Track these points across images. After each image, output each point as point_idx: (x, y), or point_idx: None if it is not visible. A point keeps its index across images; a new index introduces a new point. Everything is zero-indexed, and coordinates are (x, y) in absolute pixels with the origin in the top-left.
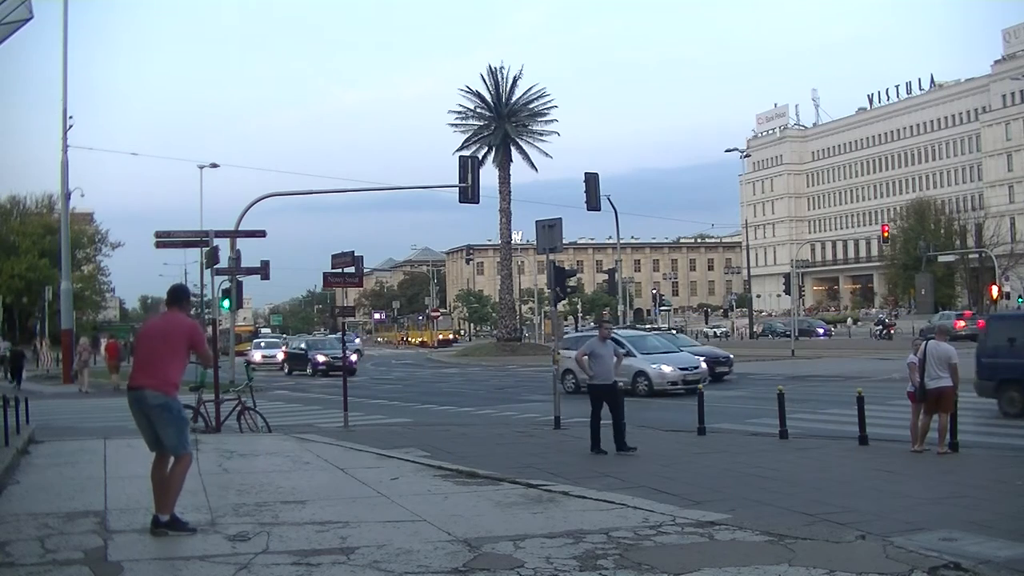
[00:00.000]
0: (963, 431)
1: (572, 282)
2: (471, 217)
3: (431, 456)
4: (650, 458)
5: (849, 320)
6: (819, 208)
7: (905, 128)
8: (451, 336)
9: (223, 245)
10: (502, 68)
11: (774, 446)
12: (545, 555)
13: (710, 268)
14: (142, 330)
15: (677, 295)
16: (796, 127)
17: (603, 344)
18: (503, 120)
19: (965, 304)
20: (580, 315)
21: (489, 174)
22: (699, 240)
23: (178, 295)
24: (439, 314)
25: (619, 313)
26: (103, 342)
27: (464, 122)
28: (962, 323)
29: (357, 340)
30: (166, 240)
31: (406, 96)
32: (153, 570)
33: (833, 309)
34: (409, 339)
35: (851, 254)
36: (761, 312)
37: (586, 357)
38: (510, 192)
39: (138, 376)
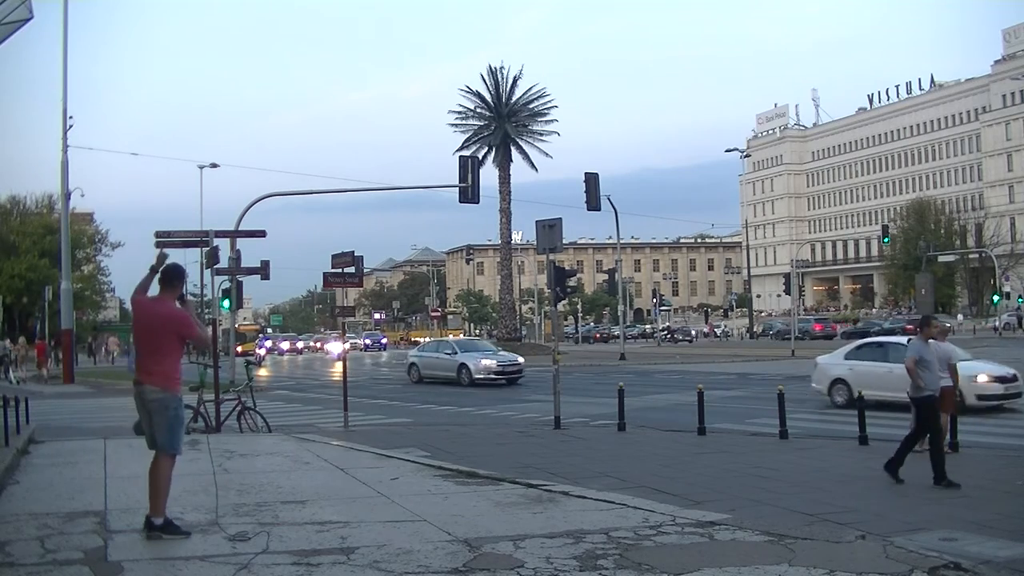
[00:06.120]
0: (963, 431)
1: (572, 282)
2: (471, 217)
3: (431, 456)
4: (650, 458)
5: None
6: (819, 208)
7: (905, 128)
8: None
9: (223, 245)
10: (502, 68)
11: (774, 446)
12: (545, 555)
13: (710, 268)
14: (134, 320)
15: (677, 295)
16: (796, 127)
17: (928, 346)
18: (503, 120)
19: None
20: (580, 315)
21: (489, 174)
22: (699, 240)
23: (169, 277)
24: (439, 313)
25: (619, 313)
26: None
27: (464, 122)
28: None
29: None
30: (166, 240)
31: (406, 96)
32: (153, 570)
33: (833, 309)
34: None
35: (851, 254)
36: (761, 312)
37: (915, 364)
38: (510, 192)
39: (139, 371)
